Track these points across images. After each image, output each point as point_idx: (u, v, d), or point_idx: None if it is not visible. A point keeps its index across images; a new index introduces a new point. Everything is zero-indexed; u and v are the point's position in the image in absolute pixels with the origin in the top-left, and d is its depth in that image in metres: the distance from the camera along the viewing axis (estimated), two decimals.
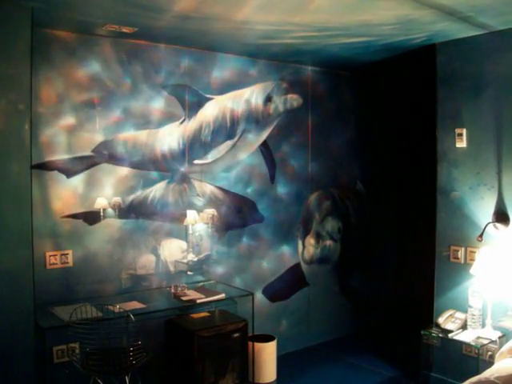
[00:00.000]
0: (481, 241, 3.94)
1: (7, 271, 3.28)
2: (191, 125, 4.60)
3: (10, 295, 3.28)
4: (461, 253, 4.24)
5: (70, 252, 3.99)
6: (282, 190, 5.28)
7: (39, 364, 3.44)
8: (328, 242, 5.63)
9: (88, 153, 4.07)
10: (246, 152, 4.99)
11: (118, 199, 4.22)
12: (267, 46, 4.50)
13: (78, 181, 4.02)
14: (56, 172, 3.92)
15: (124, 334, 3.50)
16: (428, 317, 4.42)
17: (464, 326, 4.02)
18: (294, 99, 5.27)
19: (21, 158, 3.35)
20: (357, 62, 5.18)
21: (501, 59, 3.98)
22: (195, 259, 4.64)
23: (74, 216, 4.01)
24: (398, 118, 6.25)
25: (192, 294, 4.17)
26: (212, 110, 4.71)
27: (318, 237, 5.53)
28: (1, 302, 3.24)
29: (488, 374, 3.12)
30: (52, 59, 3.87)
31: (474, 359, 3.91)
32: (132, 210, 4.31)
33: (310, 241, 5.47)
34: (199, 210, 4.63)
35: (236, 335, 4.20)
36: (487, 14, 3.59)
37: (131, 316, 3.42)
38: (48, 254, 3.89)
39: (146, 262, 4.41)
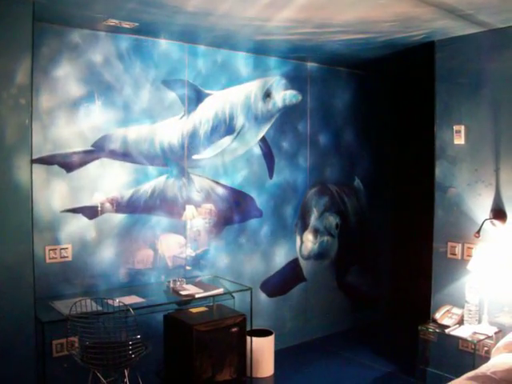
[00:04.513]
0: (478, 237, 3.97)
1: (7, 265, 3.29)
2: (191, 120, 4.61)
3: (10, 289, 3.29)
4: (458, 249, 4.26)
5: (69, 246, 4.00)
6: (280, 185, 5.29)
7: (39, 358, 3.46)
8: (326, 238, 5.65)
9: (88, 147, 4.08)
10: (245, 147, 5.00)
11: (117, 194, 4.23)
12: (267, 42, 4.50)
13: (77, 175, 4.03)
14: (56, 166, 3.93)
15: (123, 328, 3.52)
16: (425, 312, 4.45)
17: (461, 322, 4.05)
18: (293, 95, 5.28)
19: (21, 152, 3.35)
20: (356, 58, 5.18)
21: (500, 57, 3.99)
22: (193, 254, 4.66)
23: (74, 210, 4.02)
24: (397, 115, 6.28)
25: (190, 289, 4.19)
26: (211, 106, 4.72)
27: (316, 232, 5.56)
28: (1, 296, 3.25)
29: (484, 368, 3.15)
30: (52, 54, 3.86)
31: (471, 354, 3.94)
32: (131, 205, 4.32)
33: (308, 236, 5.50)
34: (198, 205, 4.65)
35: (234, 330, 4.21)
36: (487, 12, 3.61)
37: (131, 310, 3.44)
38: (47, 248, 3.90)
39: (144, 256, 4.42)
